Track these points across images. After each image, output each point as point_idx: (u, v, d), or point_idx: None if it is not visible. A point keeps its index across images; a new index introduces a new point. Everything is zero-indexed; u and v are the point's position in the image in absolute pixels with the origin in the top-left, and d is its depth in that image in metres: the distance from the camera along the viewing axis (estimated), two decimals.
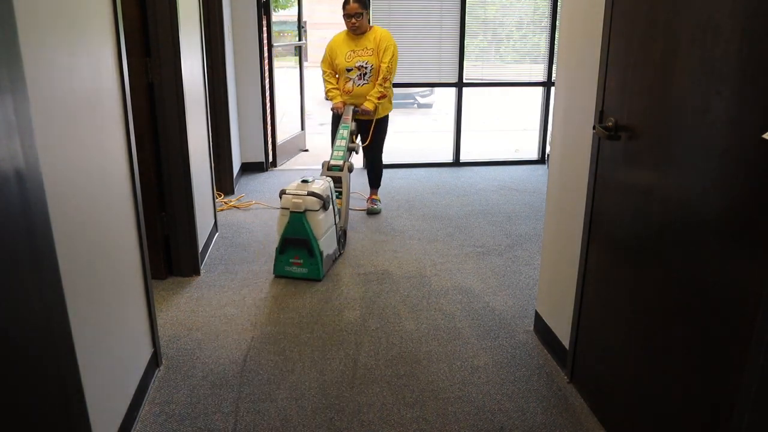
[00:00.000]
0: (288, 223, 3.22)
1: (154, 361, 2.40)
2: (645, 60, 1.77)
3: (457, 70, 5.76)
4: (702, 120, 1.51)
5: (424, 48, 5.72)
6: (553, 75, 5.78)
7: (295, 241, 3.23)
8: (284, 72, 6.49)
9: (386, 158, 6.17)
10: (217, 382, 2.37)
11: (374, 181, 4.61)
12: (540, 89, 6.16)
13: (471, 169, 5.93)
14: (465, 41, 5.70)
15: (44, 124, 1.46)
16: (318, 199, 3.22)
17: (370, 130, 4.23)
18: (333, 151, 3.88)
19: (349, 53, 4.07)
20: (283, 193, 3.27)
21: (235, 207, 4.68)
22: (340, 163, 3.79)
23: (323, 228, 3.30)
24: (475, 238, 3.98)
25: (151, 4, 2.94)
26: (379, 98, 4.09)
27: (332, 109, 4.19)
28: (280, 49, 6.24)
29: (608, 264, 2.05)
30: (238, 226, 4.24)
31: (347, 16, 3.98)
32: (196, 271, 3.37)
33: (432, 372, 2.45)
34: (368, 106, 4.08)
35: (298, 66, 6.54)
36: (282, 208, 3.25)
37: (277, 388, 2.33)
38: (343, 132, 3.92)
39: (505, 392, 2.32)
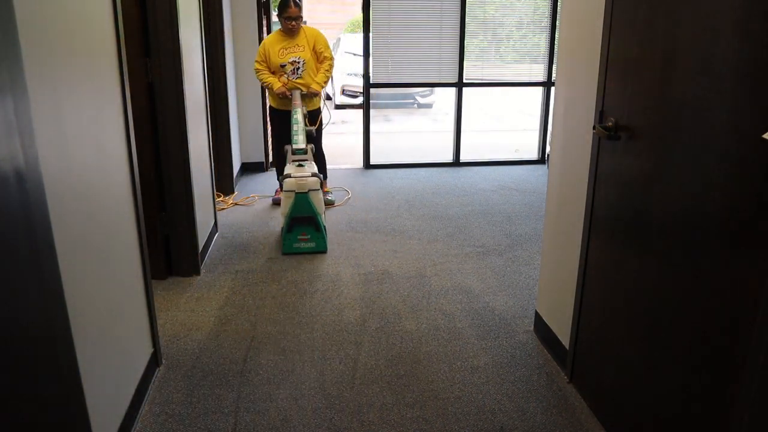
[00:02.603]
0: (294, 202, 3.57)
1: (154, 361, 2.40)
2: (645, 60, 1.77)
3: (457, 70, 5.76)
4: (702, 120, 1.51)
5: (424, 48, 5.72)
6: (553, 75, 5.78)
7: (302, 219, 3.59)
8: None
9: (386, 158, 6.22)
10: (217, 382, 2.37)
11: (321, 173, 4.57)
12: (540, 89, 6.16)
13: (471, 169, 5.93)
14: (465, 41, 5.70)
15: (44, 124, 1.46)
16: (318, 179, 3.63)
17: (317, 118, 4.54)
18: (292, 135, 4.04)
19: (281, 50, 4.31)
20: (286, 177, 3.61)
21: (236, 204, 4.69)
22: (304, 146, 3.97)
23: (323, 205, 3.75)
24: (475, 238, 3.98)
25: (151, 4, 2.94)
26: (324, 82, 4.40)
27: (278, 93, 4.31)
28: None
29: (608, 264, 2.05)
30: (238, 226, 4.25)
31: (288, 18, 4.24)
32: (196, 271, 3.37)
33: (432, 372, 2.45)
34: (316, 87, 4.37)
35: None
36: (287, 191, 3.59)
37: (277, 388, 2.33)
38: (297, 116, 4.09)
39: (505, 392, 2.32)
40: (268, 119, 4.93)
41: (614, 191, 1.98)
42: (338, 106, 11.13)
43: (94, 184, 1.85)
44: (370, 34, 5.56)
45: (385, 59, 5.71)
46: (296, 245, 3.63)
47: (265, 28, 5.61)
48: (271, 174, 5.78)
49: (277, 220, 4.37)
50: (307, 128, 4.15)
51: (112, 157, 2.04)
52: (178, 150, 3.16)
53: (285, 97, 4.33)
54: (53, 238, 1.44)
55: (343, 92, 11.05)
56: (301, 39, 4.35)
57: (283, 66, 4.33)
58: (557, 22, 5.02)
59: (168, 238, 3.29)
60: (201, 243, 3.48)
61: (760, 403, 1.27)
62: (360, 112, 6.42)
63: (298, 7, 4.26)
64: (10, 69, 1.24)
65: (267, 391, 2.31)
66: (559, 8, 3.10)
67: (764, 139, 1.26)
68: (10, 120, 1.21)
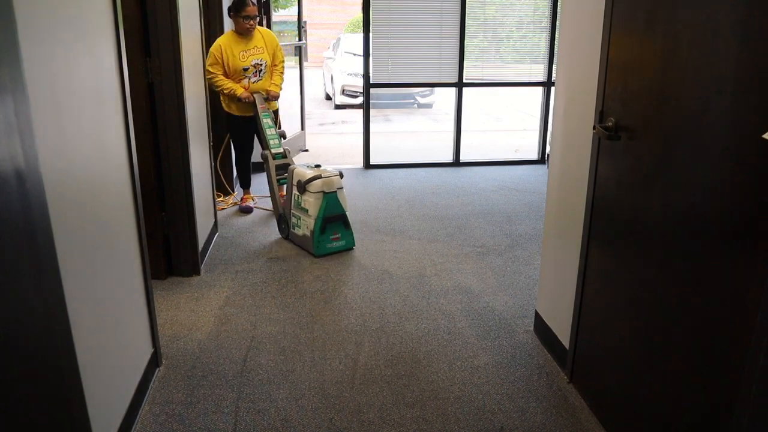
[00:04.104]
0: (326, 203, 3.57)
1: (154, 361, 2.40)
2: (645, 60, 1.77)
3: (457, 70, 5.76)
4: (702, 120, 1.51)
5: (424, 48, 5.72)
6: (553, 75, 5.78)
7: (333, 218, 3.61)
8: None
9: (386, 158, 6.22)
10: (217, 382, 2.37)
11: (248, 181, 4.71)
12: (540, 89, 6.16)
13: (471, 169, 5.93)
14: (465, 41, 5.70)
15: (44, 124, 1.46)
16: (341, 178, 3.67)
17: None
18: (268, 140, 4.07)
19: (241, 53, 4.16)
20: (311, 179, 3.55)
21: (236, 204, 4.69)
22: (282, 150, 4.06)
23: (346, 201, 3.77)
24: (475, 238, 3.98)
25: (151, 4, 2.94)
26: (281, 84, 4.39)
27: (242, 99, 4.17)
28: None
29: (608, 264, 2.05)
30: (238, 226, 4.25)
31: (246, 17, 4.07)
32: (196, 271, 3.37)
33: (432, 372, 2.45)
34: (276, 89, 4.34)
35: (298, 66, 6.54)
36: (316, 192, 3.56)
37: (277, 388, 2.33)
38: (267, 120, 4.13)
39: (505, 392, 2.32)
40: (227, 126, 4.55)
41: (614, 191, 1.98)
42: (338, 106, 11.13)
43: (94, 184, 1.85)
44: (370, 34, 5.56)
45: (385, 59, 5.71)
46: (329, 246, 3.64)
47: (265, 27, 5.59)
48: None
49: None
50: (279, 130, 4.22)
51: (112, 157, 2.04)
52: (178, 150, 3.16)
53: (248, 103, 4.22)
54: (53, 238, 1.44)
55: (343, 92, 11.05)
56: (258, 40, 4.25)
57: (245, 69, 4.21)
58: (557, 22, 5.02)
59: (168, 238, 3.29)
60: (201, 243, 3.48)
61: (760, 403, 1.28)
62: (360, 112, 6.42)
63: (256, 5, 4.14)
64: (10, 69, 1.24)
65: (267, 391, 2.31)
66: (559, 8, 3.10)
67: (764, 139, 1.26)
68: (10, 120, 1.21)
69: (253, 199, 4.73)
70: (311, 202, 3.59)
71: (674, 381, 1.66)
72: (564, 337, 2.42)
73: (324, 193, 3.57)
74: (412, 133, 9.18)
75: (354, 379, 2.40)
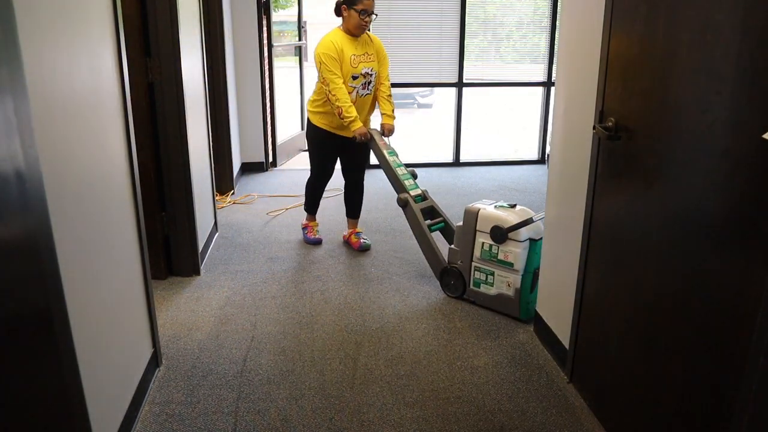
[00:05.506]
0: (535, 253, 2.86)
1: (154, 361, 2.40)
2: (645, 60, 1.77)
3: (457, 70, 5.76)
4: (702, 120, 1.51)
5: (424, 48, 5.72)
6: (553, 75, 5.78)
7: (538, 272, 2.87)
8: (284, 72, 6.49)
9: None
10: (217, 382, 2.37)
11: (357, 211, 3.94)
12: (540, 89, 6.16)
13: (471, 169, 5.93)
14: (465, 41, 5.70)
15: (44, 124, 1.46)
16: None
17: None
18: (402, 180, 3.38)
19: (352, 57, 3.36)
20: (518, 226, 2.80)
21: (235, 203, 4.69)
22: (420, 191, 3.42)
23: None
24: None
25: (151, 4, 2.94)
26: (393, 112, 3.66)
27: (357, 136, 3.39)
28: (280, 49, 6.25)
29: (608, 264, 2.05)
30: (238, 226, 4.25)
31: (364, 12, 3.28)
32: (196, 271, 3.37)
33: (432, 372, 2.45)
34: (391, 123, 3.59)
35: (298, 66, 6.55)
36: (522, 241, 2.82)
37: (277, 388, 2.33)
38: (395, 158, 3.47)
39: (505, 392, 2.31)
40: (309, 140, 3.69)
41: (614, 191, 1.98)
42: None
43: (94, 184, 1.85)
44: None
45: None
46: (533, 305, 2.88)
47: (265, 28, 5.60)
48: (271, 174, 5.78)
49: (278, 220, 4.37)
50: (410, 169, 3.50)
51: (112, 157, 2.04)
52: (178, 150, 3.16)
53: (361, 139, 3.41)
54: (53, 238, 1.44)
55: None
56: (369, 45, 3.46)
57: (354, 78, 3.39)
58: (557, 22, 5.02)
59: (168, 238, 3.29)
60: (201, 243, 3.48)
61: (760, 403, 1.27)
62: None
63: None
64: (10, 69, 1.24)
65: (267, 391, 2.31)
66: (559, 8, 3.10)
67: (764, 139, 1.26)
68: (10, 120, 1.21)
69: (318, 230, 4.03)
70: (518, 254, 2.82)
71: (674, 381, 1.66)
72: (564, 337, 2.42)
73: (532, 241, 2.85)
74: (412, 133, 9.18)
75: (354, 379, 2.40)
